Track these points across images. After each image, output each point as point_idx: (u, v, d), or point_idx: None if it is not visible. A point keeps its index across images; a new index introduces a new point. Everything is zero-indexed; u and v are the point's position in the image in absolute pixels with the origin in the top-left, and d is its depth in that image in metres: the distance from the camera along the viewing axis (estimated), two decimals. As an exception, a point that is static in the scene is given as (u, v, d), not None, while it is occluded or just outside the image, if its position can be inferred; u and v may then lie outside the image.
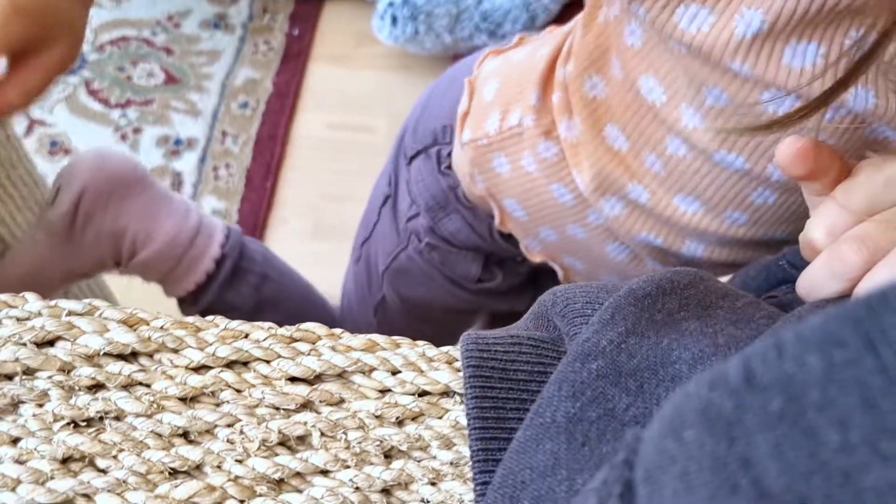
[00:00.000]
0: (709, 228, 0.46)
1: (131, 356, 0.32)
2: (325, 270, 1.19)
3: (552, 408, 0.24)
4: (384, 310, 0.69)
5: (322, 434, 0.31)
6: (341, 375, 0.32)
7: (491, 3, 1.23)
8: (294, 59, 1.37)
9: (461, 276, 0.62)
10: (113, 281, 0.82)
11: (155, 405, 0.31)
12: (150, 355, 0.32)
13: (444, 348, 0.33)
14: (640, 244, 0.50)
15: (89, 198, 0.64)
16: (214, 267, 0.68)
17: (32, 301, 0.33)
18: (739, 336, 0.26)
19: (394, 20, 1.23)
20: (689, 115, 0.40)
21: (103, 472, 0.30)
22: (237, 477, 0.30)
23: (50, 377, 0.31)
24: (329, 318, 0.81)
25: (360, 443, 0.30)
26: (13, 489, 0.29)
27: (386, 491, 0.30)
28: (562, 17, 1.29)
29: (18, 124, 1.26)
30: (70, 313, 0.32)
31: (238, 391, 0.31)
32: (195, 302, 0.69)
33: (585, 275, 0.57)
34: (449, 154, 0.58)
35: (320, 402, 0.31)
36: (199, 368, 0.32)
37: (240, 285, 0.70)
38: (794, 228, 0.45)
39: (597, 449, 0.23)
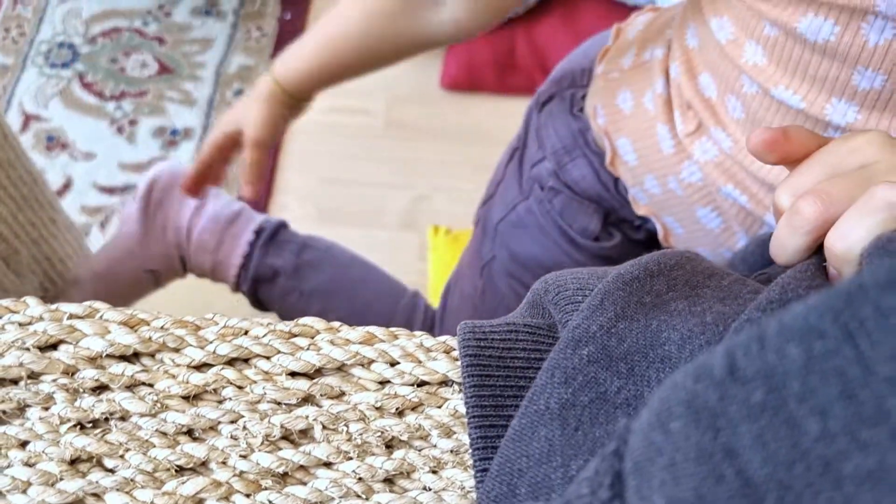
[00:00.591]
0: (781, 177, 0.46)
1: (133, 357, 0.32)
2: (327, 255, 1.19)
3: (545, 395, 0.25)
4: (490, 272, 0.69)
5: (324, 427, 0.31)
6: (341, 368, 0.32)
7: (482, -21, 1.22)
8: (287, 44, 1.36)
9: (579, 231, 0.61)
10: (115, 275, 0.83)
11: (159, 404, 0.31)
12: (152, 355, 0.33)
13: (442, 338, 0.33)
14: (728, 203, 0.52)
15: (159, 187, 0.78)
16: (254, 237, 0.78)
17: (34, 305, 0.33)
18: (727, 312, 0.26)
19: None
20: (752, 50, 0.43)
21: (111, 471, 0.31)
22: (242, 472, 0.30)
23: (54, 380, 0.32)
24: (386, 283, 0.84)
25: (361, 434, 0.31)
26: (24, 491, 0.30)
27: (388, 480, 0.31)
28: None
29: (14, 121, 1.26)
30: (71, 316, 0.33)
31: (240, 388, 0.32)
32: (244, 276, 0.78)
33: (683, 240, 0.58)
34: (583, 97, 0.60)
35: (321, 395, 0.32)
36: (201, 367, 0.32)
37: (281, 250, 0.79)
38: None
39: (590, 433, 0.24)
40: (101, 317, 0.33)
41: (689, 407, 0.17)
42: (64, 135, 1.26)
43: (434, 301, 1.14)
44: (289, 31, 1.37)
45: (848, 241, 0.26)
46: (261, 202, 1.21)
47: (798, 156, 0.30)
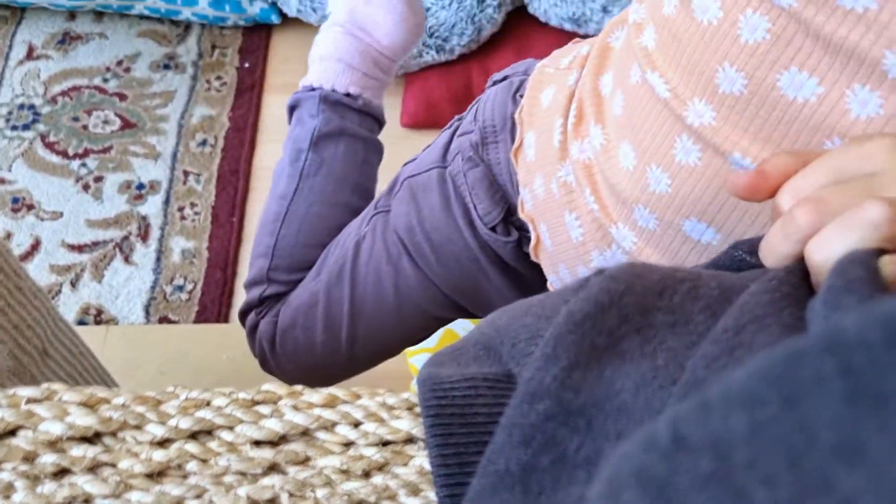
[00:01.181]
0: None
1: (95, 437, 0.32)
2: (302, 299, 1.19)
3: (504, 456, 0.25)
4: (375, 223, 0.68)
5: (291, 495, 0.31)
6: (305, 433, 0.32)
7: (436, 18, 1.24)
8: (248, 92, 1.37)
9: (482, 212, 0.60)
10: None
11: (122, 485, 0.31)
12: (113, 434, 0.32)
13: (405, 395, 0.33)
14: (587, 210, 0.51)
15: None
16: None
17: (-10, 392, 0.33)
18: (677, 347, 0.26)
19: (344, 44, 1.23)
20: (649, 33, 0.43)
21: (76, 558, 0.30)
22: (210, 548, 0.30)
23: (14, 468, 0.31)
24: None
25: (328, 499, 0.31)
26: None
27: (359, 545, 0.31)
28: (506, 28, 1.30)
29: (-24, 186, 1.25)
30: (29, 400, 0.32)
31: (203, 461, 0.32)
32: None
33: (549, 254, 0.57)
34: None
35: (286, 462, 0.32)
36: (163, 442, 0.32)
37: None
38: None
39: (553, 497, 0.24)
40: (59, 399, 0.32)
41: (638, 477, 0.17)
42: (29, 196, 1.25)
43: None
44: (249, 80, 1.38)
45: (826, 253, 0.26)
46: (230, 252, 1.21)
47: (781, 184, 0.29)
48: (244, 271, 1.21)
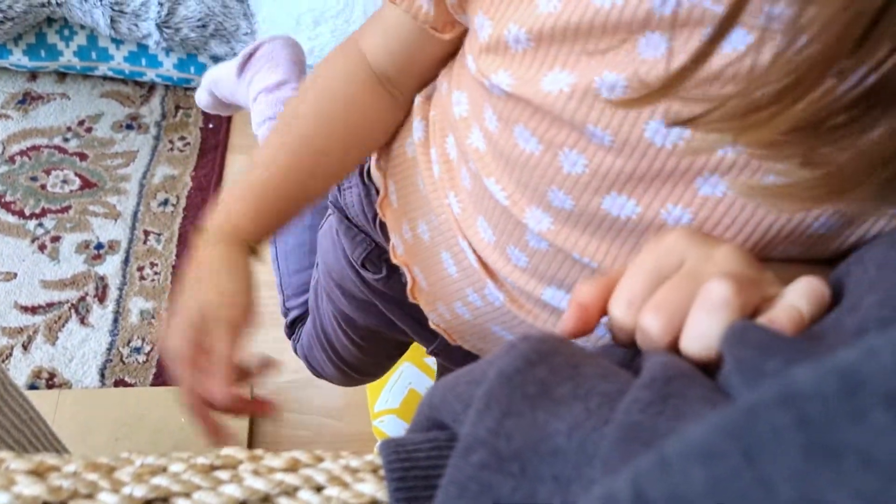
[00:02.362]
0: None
1: (43, 507, 0.31)
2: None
3: None
4: (319, 236, 0.74)
5: (250, 565, 0.30)
6: (266, 499, 0.31)
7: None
8: (212, 152, 1.37)
9: (351, 252, 0.63)
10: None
11: (71, 558, 0.29)
12: (64, 504, 0.31)
13: (368, 456, 0.32)
14: (461, 252, 0.51)
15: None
16: None
17: (-68, 462, 0.31)
18: (611, 391, 0.26)
19: (308, 105, 1.25)
20: (537, 217, 0.42)
21: None
22: None
23: (-45, 543, 0.29)
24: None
25: (289, 569, 0.30)
26: None
27: None
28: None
29: (-73, 246, 1.22)
30: (-26, 469, 0.31)
31: (159, 531, 0.30)
32: None
33: (426, 293, 0.58)
34: None
35: (246, 531, 0.31)
36: (116, 512, 0.31)
37: None
38: None
39: None
40: (6, 467, 0.31)
41: (599, 535, 0.16)
42: (-19, 256, 1.22)
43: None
44: (212, 140, 1.38)
45: (701, 344, 0.27)
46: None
47: (604, 303, 0.31)
48: (204, 332, 1.18)
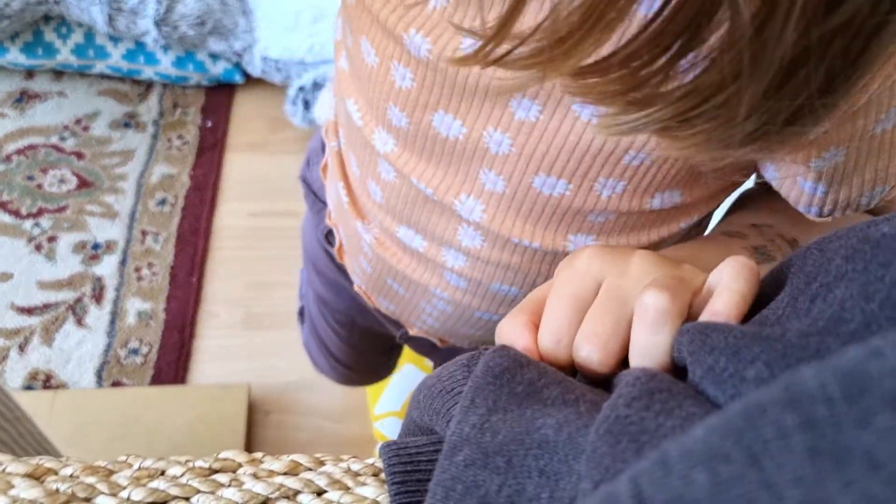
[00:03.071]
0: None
1: (41, 510, 0.30)
2: (261, 360, 1.16)
3: None
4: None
5: (249, 568, 0.30)
6: (266, 503, 0.31)
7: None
8: (210, 151, 1.36)
9: (317, 226, 0.64)
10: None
11: (69, 561, 0.29)
12: (61, 507, 0.31)
13: (369, 460, 0.32)
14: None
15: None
16: None
17: (-71, 464, 0.31)
18: (599, 401, 0.26)
19: (306, 104, 1.25)
20: (383, 138, 0.43)
21: None
22: None
23: (-48, 546, 0.29)
24: None
25: (289, 572, 0.30)
26: None
27: None
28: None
29: (-77, 246, 1.21)
30: (-29, 472, 0.31)
31: (157, 534, 0.30)
32: None
33: (346, 250, 0.59)
34: None
35: (245, 533, 0.30)
36: (115, 515, 0.31)
37: None
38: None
39: None
40: (3, 470, 0.31)
41: (600, 538, 0.16)
42: (-22, 256, 1.22)
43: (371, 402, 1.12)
44: (211, 139, 1.38)
45: (653, 358, 0.27)
46: (188, 313, 1.19)
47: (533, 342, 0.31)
48: (203, 332, 1.18)
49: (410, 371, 1.14)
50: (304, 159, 0.66)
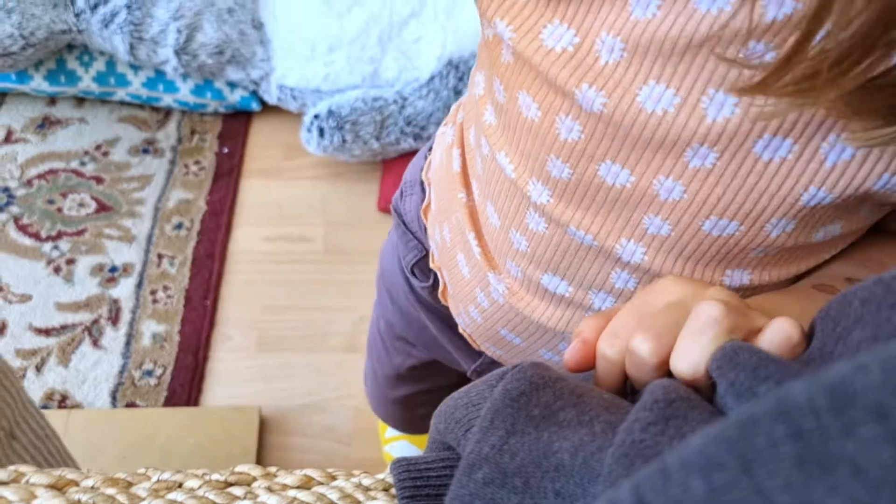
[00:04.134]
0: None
1: (62, 521, 0.31)
2: (275, 383, 1.17)
3: None
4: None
5: (262, 580, 0.30)
6: (278, 516, 0.32)
7: (413, 107, 1.28)
8: (226, 177, 1.39)
9: (403, 257, 0.65)
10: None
11: (88, 571, 0.30)
12: (82, 518, 0.32)
13: (380, 475, 0.33)
14: (470, 251, 0.53)
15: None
16: None
17: (-44, 475, 0.32)
18: (614, 421, 0.27)
19: (321, 132, 1.27)
20: (538, 190, 0.44)
21: None
22: None
23: (-24, 554, 0.30)
24: None
25: (301, 585, 0.30)
26: None
27: None
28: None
29: (-55, 267, 1.24)
30: (-4, 483, 0.32)
31: (174, 545, 0.31)
32: None
33: (451, 295, 0.60)
34: None
35: (259, 546, 0.31)
36: (133, 526, 0.31)
37: None
38: None
39: None
40: (26, 481, 0.32)
41: (601, 543, 0.17)
42: (-3, 278, 1.24)
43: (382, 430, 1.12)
44: (227, 165, 1.40)
45: (690, 362, 0.28)
46: (202, 335, 1.20)
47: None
48: (216, 355, 1.20)
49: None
50: (398, 191, 0.67)
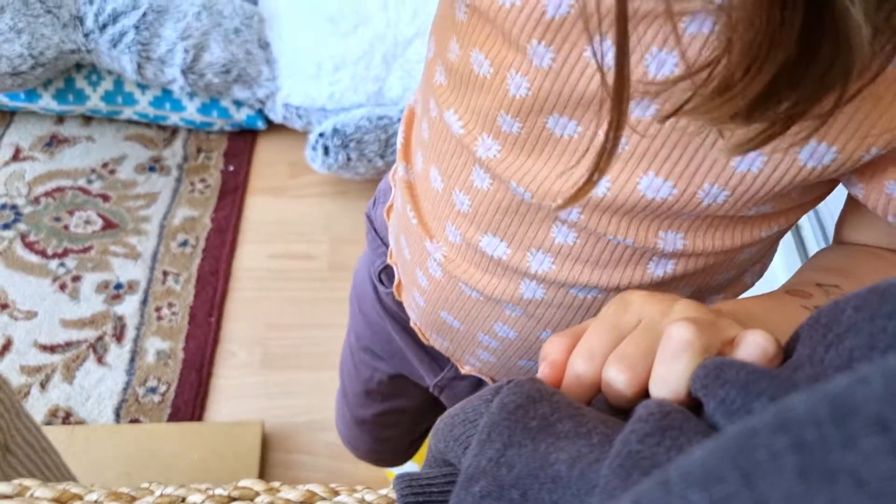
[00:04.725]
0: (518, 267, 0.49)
1: (65, 535, 0.31)
2: (278, 400, 1.17)
3: None
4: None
5: None
6: (281, 531, 0.32)
7: (418, 126, 1.29)
8: (231, 194, 1.39)
9: (372, 263, 0.66)
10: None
11: (91, 586, 0.30)
12: (85, 532, 0.32)
13: (383, 491, 0.33)
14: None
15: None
16: None
17: (-40, 489, 0.32)
18: (611, 433, 0.27)
19: (326, 150, 1.28)
20: (487, 144, 0.44)
21: None
22: None
23: (-21, 569, 0.30)
24: None
25: None
26: None
27: None
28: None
29: (-49, 284, 1.24)
30: (0, 497, 0.32)
31: (176, 560, 0.31)
32: None
33: (403, 286, 0.61)
34: None
35: (261, 561, 0.31)
36: (136, 541, 0.31)
37: None
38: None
39: None
40: (31, 495, 0.32)
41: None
42: (4, 294, 1.24)
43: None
44: (232, 182, 1.41)
45: (669, 388, 0.28)
46: (206, 352, 1.20)
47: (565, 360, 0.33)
48: (220, 372, 1.20)
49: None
50: (372, 199, 0.68)
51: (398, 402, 0.80)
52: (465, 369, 0.61)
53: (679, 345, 0.28)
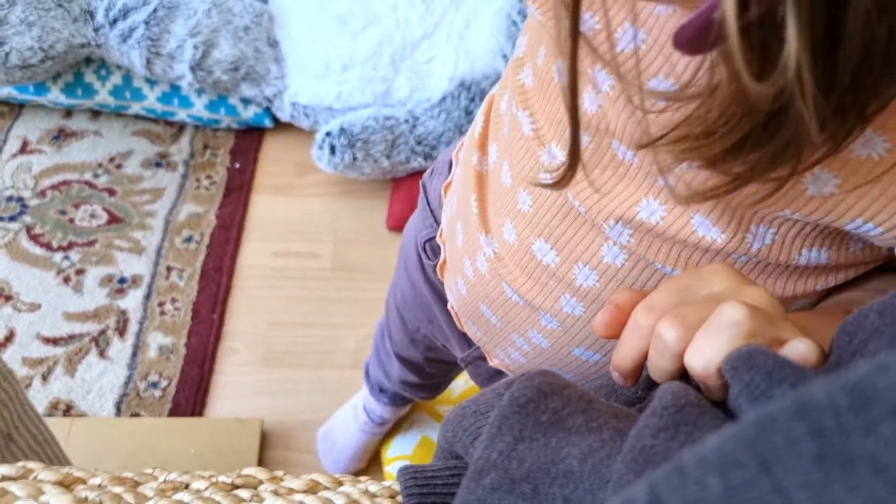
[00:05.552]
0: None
1: (67, 519, 0.31)
2: (279, 398, 1.17)
3: None
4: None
5: (267, 584, 0.30)
6: (284, 520, 0.32)
7: (424, 127, 1.29)
8: (237, 192, 1.39)
9: (419, 232, 0.67)
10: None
11: (92, 570, 0.30)
12: (87, 516, 0.31)
13: (387, 482, 0.33)
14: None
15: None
16: None
17: (-37, 470, 0.32)
18: (623, 428, 0.27)
19: (332, 149, 1.28)
20: (553, 153, 0.45)
21: None
22: None
23: (-19, 550, 0.30)
24: None
25: (306, 590, 0.30)
26: None
27: None
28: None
29: (-44, 275, 1.24)
30: (4, 478, 0.32)
31: (179, 546, 0.31)
32: None
33: (448, 268, 0.61)
34: None
35: (264, 550, 0.31)
36: (138, 526, 0.31)
37: None
38: None
39: None
40: (34, 477, 0.32)
41: (616, 541, 0.17)
42: (8, 286, 1.25)
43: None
44: (238, 180, 1.41)
45: (703, 358, 0.28)
46: (208, 348, 1.20)
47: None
48: (222, 368, 1.19)
49: (422, 418, 1.15)
50: (430, 168, 0.70)
51: (436, 354, 0.82)
52: (493, 362, 0.61)
53: (726, 322, 0.29)
